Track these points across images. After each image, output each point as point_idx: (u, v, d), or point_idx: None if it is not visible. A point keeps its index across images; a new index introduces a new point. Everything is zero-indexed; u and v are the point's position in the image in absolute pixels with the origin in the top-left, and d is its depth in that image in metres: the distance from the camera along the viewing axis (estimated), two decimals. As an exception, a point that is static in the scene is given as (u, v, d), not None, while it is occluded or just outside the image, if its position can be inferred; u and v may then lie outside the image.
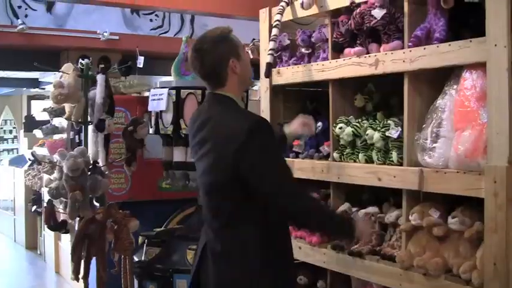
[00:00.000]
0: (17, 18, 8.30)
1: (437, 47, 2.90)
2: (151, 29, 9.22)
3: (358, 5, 3.31)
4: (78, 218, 4.66)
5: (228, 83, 2.88)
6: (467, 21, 2.91)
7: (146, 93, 6.68)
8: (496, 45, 2.63)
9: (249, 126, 2.71)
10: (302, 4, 3.63)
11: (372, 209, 3.39)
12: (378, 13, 3.15)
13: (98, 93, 4.75)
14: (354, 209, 3.49)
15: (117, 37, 8.42)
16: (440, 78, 3.04)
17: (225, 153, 2.74)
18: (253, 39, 5.03)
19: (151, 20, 9.24)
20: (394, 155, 3.14)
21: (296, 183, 2.95)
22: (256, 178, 2.72)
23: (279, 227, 2.93)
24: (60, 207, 4.87)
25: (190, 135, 3.05)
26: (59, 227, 5.02)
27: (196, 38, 2.95)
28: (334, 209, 3.44)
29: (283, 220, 2.94)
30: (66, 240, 7.24)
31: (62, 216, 5.05)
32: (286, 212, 2.81)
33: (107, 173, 4.85)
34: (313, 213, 2.86)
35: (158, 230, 5.58)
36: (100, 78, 4.80)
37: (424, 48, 2.96)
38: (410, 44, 3.04)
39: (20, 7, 8.54)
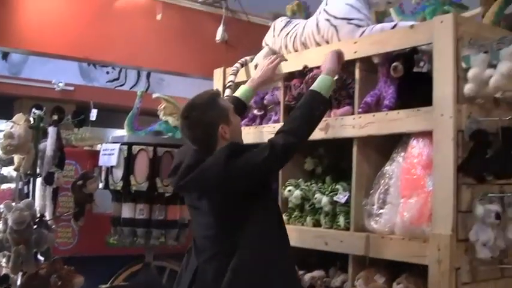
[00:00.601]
0: (-29, 64, 8.23)
1: (386, 114, 2.95)
2: (108, 81, 9.19)
3: (311, 69, 3.36)
4: (21, 273, 4.55)
5: (218, 148, 2.82)
6: (416, 90, 2.96)
7: (98, 147, 6.63)
8: (442, 114, 2.70)
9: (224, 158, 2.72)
10: (255, 67, 3.68)
11: (318, 273, 3.39)
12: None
13: (48, 145, 4.69)
14: (301, 272, 3.47)
15: (72, 88, 8.36)
16: (388, 145, 3.09)
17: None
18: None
19: (107, 72, 9.22)
20: (341, 220, 3.16)
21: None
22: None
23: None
24: (3, 261, 4.75)
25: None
26: (1, 281, 4.88)
27: (185, 104, 2.92)
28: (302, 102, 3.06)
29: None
30: (9, 293, 7.06)
31: (4, 270, 4.92)
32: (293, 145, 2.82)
33: (53, 227, 4.76)
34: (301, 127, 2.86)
35: (104, 286, 5.48)
36: (51, 130, 4.74)
37: (374, 115, 3.01)
38: (360, 110, 3.09)
39: (-27, 54, 8.48)
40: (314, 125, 2.94)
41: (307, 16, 3.78)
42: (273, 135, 3.21)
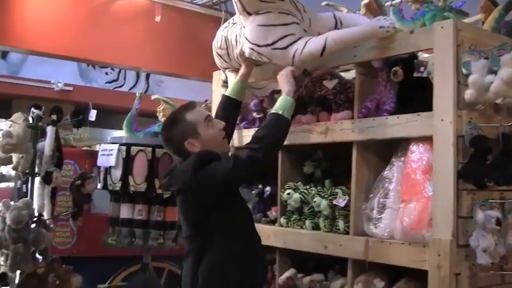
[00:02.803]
0: (-30, 64, 8.24)
1: (386, 118, 2.95)
2: (106, 82, 9.23)
3: (311, 73, 3.35)
4: (18, 272, 4.55)
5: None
6: (415, 95, 2.96)
7: (97, 147, 6.63)
8: (442, 120, 2.70)
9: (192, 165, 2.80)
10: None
11: (317, 276, 3.38)
12: (330, 83, 3.20)
13: (46, 145, 4.71)
14: (300, 275, 3.47)
15: (71, 88, 8.39)
16: (388, 149, 3.09)
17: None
18: (206, 100, 5.06)
19: (106, 73, 9.26)
20: (340, 224, 3.16)
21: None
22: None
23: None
24: (1, 259, 4.75)
25: None
26: (-2, 280, 4.89)
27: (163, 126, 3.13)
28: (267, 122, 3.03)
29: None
30: (6, 292, 7.05)
31: (2, 269, 4.92)
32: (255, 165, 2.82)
33: (51, 226, 4.77)
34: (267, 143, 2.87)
35: (102, 286, 5.48)
36: (50, 130, 4.76)
37: (374, 120, 3.01)
38: (360, 114, 3.09)
39: (-27, 53, 8.49)
40: (277, 146, 3.08)
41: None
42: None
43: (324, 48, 2.93)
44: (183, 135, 2.91)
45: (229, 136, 3.26)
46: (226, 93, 3.45)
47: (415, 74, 2.93)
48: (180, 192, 2.91)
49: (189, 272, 2.87)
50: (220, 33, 3.63)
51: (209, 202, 2.82)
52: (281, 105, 2.94)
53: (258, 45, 3.13)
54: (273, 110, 2.97)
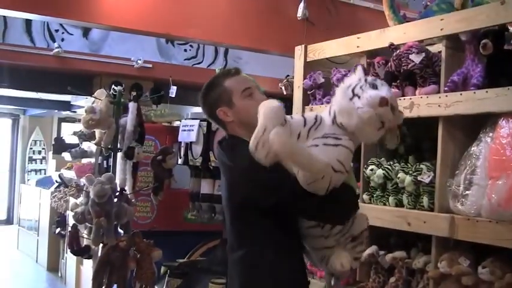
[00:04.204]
0: (54, 41, 8.41)
1: (474, 93, 2.87)
2: (185, 59, 9.29)
3: (397, 47, 3.29)
4: (101, 245, 4.66)
5: (229, 128, 2.80)
6: (505, 69, 2.87)
7: (176, 123, 6.70)
8: (534, 94, 2.60)
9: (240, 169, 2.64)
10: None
11: (399, 254, 3.33)
12: (416, 58, 3.12)
13: (128, 120, 4.78)
14: (381, 252, 3.43)
15: (150, 65, 8.48)
16: (475, 125, 3.00)
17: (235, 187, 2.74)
18: (287, 75, 5.03)
19: (185, 50, 9.32)
20: (425, 200, 3.09)
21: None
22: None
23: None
24: (84, 232, 4.87)
25: None
26: (82, 252, 5.02)
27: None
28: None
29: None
30: (88, 265, 7.22)
31: (85, 242, 5.04)
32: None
33: (133, 200, 4.86)
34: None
35: (181, 261, 5.56)
36: (132, 106, 4.83)
37: (461, 94, 2.93)
38: (446, 88, 3.01)
39: (57, 31, 8.67)
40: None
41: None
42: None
43: None
44: (216, 101, 2.76)
45: None
46: None
47: (506, 47, 2.83)
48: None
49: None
50: None
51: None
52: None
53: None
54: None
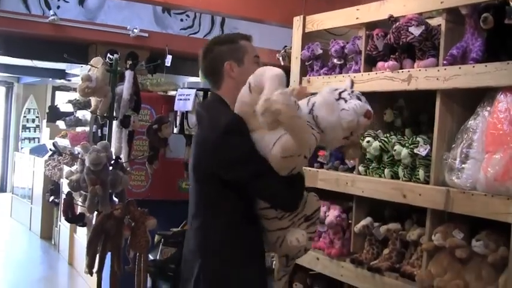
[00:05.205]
0: (49, 9, 8.33)
1: (473, 67, 2.87)
2: (181, 29, 9.22)
3: (396, 19, 3.28)
4: (96, 212, 4.66)
5: (223, 86, 2.80)
6: (505, 44, 2.86)
7: (172, 93, 6.68)
8: (533, 69, 2.60)
9: (224, 128, 2.61)
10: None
11: (393, 226, 3.35)
12: (416, 30, 3.11)
13: (125, 89, 4.76)
14: (376, 224, 3.45)
15: (146, 34, 8.41)
16: (473, 99, 3.01)
17: (202, 154, 2.75)
18: (285, 46, 5.01)
19: (181, 20, 9.25)
20: (421, 173, 3.10)
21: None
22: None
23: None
24: (79, 200, 4.87)
25: None
26: (77, 220, 5.01)
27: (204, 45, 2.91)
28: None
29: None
30: (82, 233, 7.25)
31: (80, 209, 5.05)
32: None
33: (128, 169, 4.85)
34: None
35: (175, 230, 5.57)
36: (128, 74, 4.80)
37: (460, 68, 2.93)
38: (445, 62, 3.01)
39: (53, -2, 8.60)
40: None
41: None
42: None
43: None
44: (228, 54, 2.78)
45: None
46: None
47: (506, 21, 2.82)
48: None
49: None
50: None
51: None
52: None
53: None
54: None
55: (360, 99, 2.57)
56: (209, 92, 2.97)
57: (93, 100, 5.03)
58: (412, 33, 3.12)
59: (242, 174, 2.62)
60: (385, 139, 3.37)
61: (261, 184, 2.61)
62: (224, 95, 2.80)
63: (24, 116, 14.80)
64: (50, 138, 10.27)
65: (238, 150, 2.62)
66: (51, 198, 9.22)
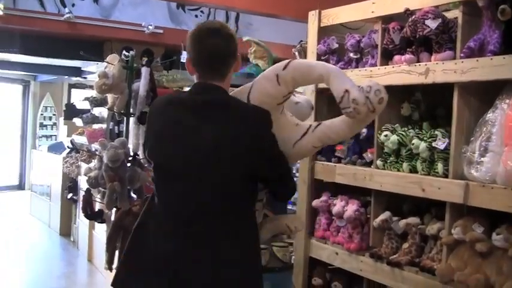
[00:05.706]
0: (64, 7, 8.39)
1: (491, 59, 2.84)
2: (196, 25, 9.24)
3: (412, 12, 3.26)
4: (115, 209, 4.68)
5: (226, 79, 2.65)
6: (523, 35, 2.84)
7: (188, 88, 6.68)
8: (552, 60, 2.58)
9: (270, 124, 2.56)
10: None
11: (413, 220, 3.34)
12: (432, 23, 3.09)
13: (141, 85, 4.77)
14: (395, 218, 3.44)
15: (161, 31, 8.46)
16: (491, 92, 2.98)
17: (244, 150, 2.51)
18: (301, 40, 4.99)
19: (196, 16, 9.27)
20: (439, 167, 3.09)
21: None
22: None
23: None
24: (97, 197, 4.90)
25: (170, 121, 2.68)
26: (95, 217, 5.05)
27: (219, 24, 2.72)
28: None
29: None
30: (100, 229, 7.28)
31: (98, 206, 5.07)
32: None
33: (146, 165, 4.86)
34: None
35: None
36: (144, 70, 4.81)
37: (477, 60, 2.91)
38: (462, 55, 2.99)
39: (67, -4, 8.64)
40: None
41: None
42: (368, 80, 3.11)
43: None
44: (237, 50, 2.65)
45: None
46: None
47: (524, 13, 2.80)
48: None
49: None
50: None
51: None
52: None
53: None
54: None
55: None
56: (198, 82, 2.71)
57: (110, 97, 5.04)
58: (429, 26, 3.10)
59: (281, 171, 2.67)
60: (403, 133, 3.36)
61: (291, 181, 2.74)
62: (226, 88, 2.66)
63: (41, 114, 14.87)
64: (67, 136, 10.31)
65: (278, 147, 2.62)
66: (70, 195, 9.26)
